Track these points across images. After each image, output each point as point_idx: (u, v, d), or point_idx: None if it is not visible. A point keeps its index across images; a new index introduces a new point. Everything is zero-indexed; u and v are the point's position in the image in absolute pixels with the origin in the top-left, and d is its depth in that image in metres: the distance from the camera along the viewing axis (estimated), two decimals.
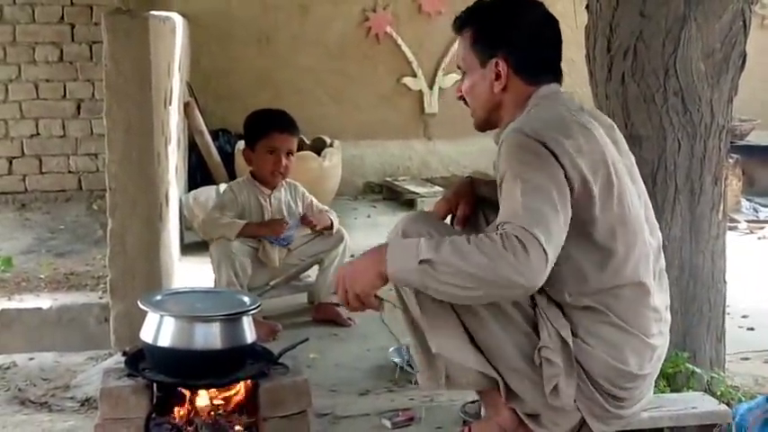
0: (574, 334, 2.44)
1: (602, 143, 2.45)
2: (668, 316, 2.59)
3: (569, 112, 2.49)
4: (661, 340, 2.55)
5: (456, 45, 2.69)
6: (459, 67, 2.68)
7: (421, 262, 2.24)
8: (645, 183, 3.19)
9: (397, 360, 3.61)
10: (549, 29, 2.59)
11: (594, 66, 3.38)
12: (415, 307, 2.49)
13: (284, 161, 4.21)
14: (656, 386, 2.94)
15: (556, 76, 2.59)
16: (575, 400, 2.45)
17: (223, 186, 5.91)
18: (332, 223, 4.30)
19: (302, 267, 3.94)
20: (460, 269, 2.21)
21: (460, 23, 2.65)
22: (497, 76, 2.54)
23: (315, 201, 4.45)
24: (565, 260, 2.36)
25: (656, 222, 2.61)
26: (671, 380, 3.09)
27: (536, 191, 2.27)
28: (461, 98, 2.67)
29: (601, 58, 3.32)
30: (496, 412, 2.57)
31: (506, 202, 2.30)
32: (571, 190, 2.33)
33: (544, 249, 2.19)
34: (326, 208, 4.47)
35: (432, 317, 2.46)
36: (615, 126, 2.64)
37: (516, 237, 2.19)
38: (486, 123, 2.64)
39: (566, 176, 2.32)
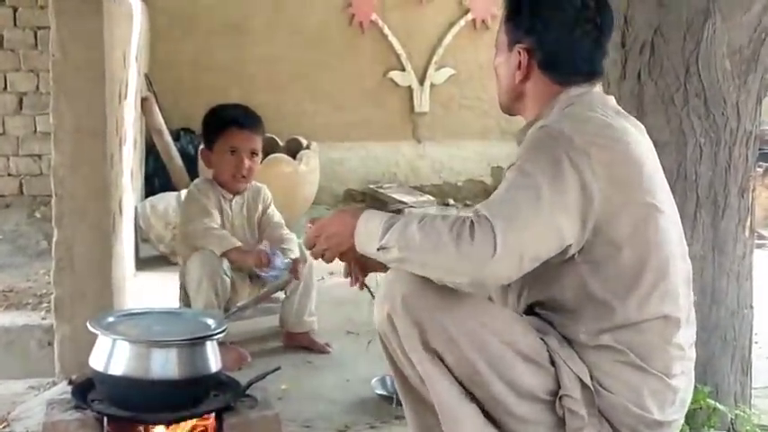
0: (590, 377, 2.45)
1: (639, 154, 2.47)
2: (693, 354, 2.59)
3: (608, 117, 2.50)
4: (684, 381, 2.54)
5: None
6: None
7: (379, 249, 2.38)
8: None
9: (380, 392, 3.61)
10: (591, 20, 2.57)
11: (607, 62, 3.40)
12: (423, 386, 2.49)
13: (247, 162, 4.19)
14: None
15: (592, 75, 2.60)
16: None
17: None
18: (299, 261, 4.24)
19: (269, 290, 3.92)
20: (408, 255, 2.33)
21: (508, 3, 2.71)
22: (519, 65, 2.60)
23: (273, 209, 4.40)
24: (582, 293, 2.40)
25: (686, 246, 2.61)
26: (690, 418, 3.09)
27: (527, 189, 2.30)
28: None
29: (614, 53, 3.33)
30: None
31: (505, 184, 2.37)
32: (588, 206, 2.34)
33: (495, 241, 2.22)
34: (282, 223, 4.39)
35: (445, 403, 2.45)
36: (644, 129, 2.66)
37: (471, 222, 2.25)
38: (508, 109, 2.73)
39: (585, 192, 2.33)
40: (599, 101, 2.57)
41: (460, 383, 2.43)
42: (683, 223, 3.20)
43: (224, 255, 4.04)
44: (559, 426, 2.44)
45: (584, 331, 2.45)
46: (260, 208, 4.35)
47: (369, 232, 2.42)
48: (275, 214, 4.40)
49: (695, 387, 3.11)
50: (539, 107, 2.59)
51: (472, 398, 2.44)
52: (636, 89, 3.29)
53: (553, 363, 2.43)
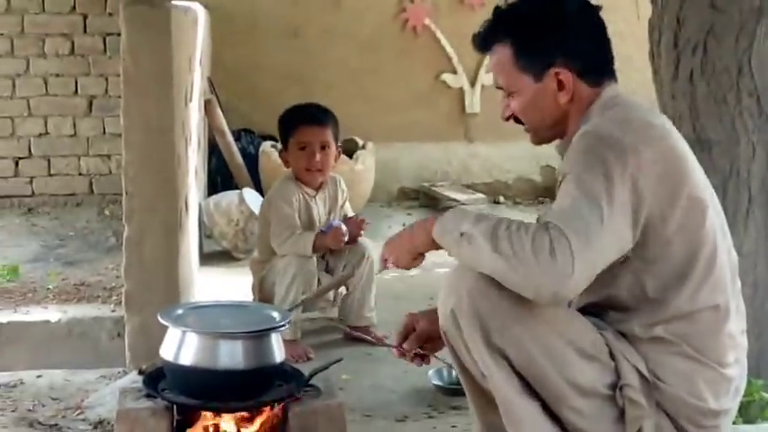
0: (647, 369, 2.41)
1: (682, 150, 2.43)
2: (744, 342, 2.54)
3: (648, 115, 2.46)
4: (737, 370, 2.49)
5: (488, 60, 2.64)
6: (499, 88, 2.60)
7: (462, 234, 2.31)
8: (715, 191, 3.18)
9: (436, 383, 3.59)
10: (596, 16, 2.55)
11: (659, 63, 3.36)
12: (487, 384, 2.45)
13: (318, 156, 4.17)
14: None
15: (614, 70, 2.56)
16: None
17: (249, 192, 5.94)
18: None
19: (332, 284, 3.92)
20: (484, 256, 2.27)
21: (487, 39, 2.56)
22: (561, 86, 2.49)
23: (348, 205, 4.43)
24: (636, 290, 2.37)
25: (729, 236, 2.57)
26: (743, 410, 3.04)
27: (589, 201, 2.24)
28: (510, 118, 2.61)
29: (667, 54, 3.29)
30: None
31: (557, 200, 2.31)
32: (639, 206, 2.30)
33: (573, 260, 2.17)
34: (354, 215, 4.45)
35: (505, 396, 2.41)
36: None
37: (549, 238, 2.18)
38: (550, 138, 2.61)
39: (636, 190, 2.29)
40: (634, 101, 2.52)
41: (522, 380, 2.39)
42: (737, 220, 3.18)
43: (314, 249, 4.06)
44: (620, 420, 2.39)
45: (638, 325, 2.40)
46: (339, 200, 4.36)
47: (457, 214, 2.37)
48: (349, 209, 4.43)
49: (749, 380, 3.06)
50: (579, 118, 2.51)
51: (534, 394, 2.40)
52: (688, 89, 3.24)
53: (612, 356, 2.39)
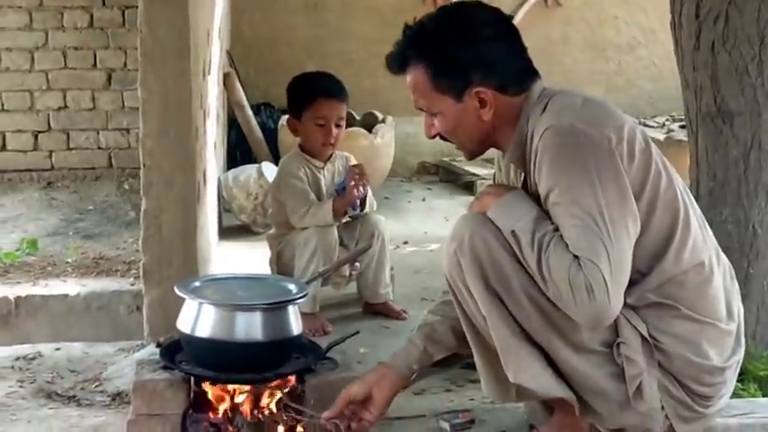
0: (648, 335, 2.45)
1: (632, 120, 2.47)
2: (735, 286, 2.58)
3: (584, 96, 2.50)
4: (736, 320, 2.53)
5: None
6: (420, 109, 2.59)
7: (512, 232, 2.37)
8: (736, 164, 3.19)
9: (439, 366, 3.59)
10: (507, 26, 2.54)
11: (680, 33, 3.33)
12: (488, 329, 2.48)
13: (335, 131, 4.16)
14: (745, 390, 2.91)
15: (536, 72, 2.55)
16: (661, 404, 2.44)
17: (268, 166, 5.95)
18: (364, 205, 4.24)
19: (349, 257, 3.92)
20: (531, 264, 2.34)
21: (401, 61, 2.55)
22: (482, 104, 2.48)
23: None
24: None
25: (688, 190, 2.59)
26: (763, 383, 3.04)
27: (593, 215, 2.28)
28: (436, 137, 2.61)
29: (688, 24, 3.27)
30: (572, 421, 2.55)
31: (565, 229, 2.31)
32: (628, 189, 2.35)
33: (607, 289, 2.24)
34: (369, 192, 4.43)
35: (504, 341, 2.45)
36: None
37: (584, 274, 2.25)
38: (480, 152, 2.61)
39: (619, 176, 2.34)
40: (560, 88, 2.54)
41: (521, 327, 2.42)
42: (758, 192, 3.18)
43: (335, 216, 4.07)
44: (620, 377, 2.42)
45: (631, 295, 2.40)
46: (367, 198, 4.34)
47: (511, 209, 2.41)
48: None
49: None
50: (512, 127, 2.50)
51: (532, 342, 2.43)
52: (710, 60, 3.22)
53: None
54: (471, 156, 2.62)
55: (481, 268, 2.42)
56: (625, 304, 2.41)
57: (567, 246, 2.29)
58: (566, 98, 2.48)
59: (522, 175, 2.55)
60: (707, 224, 2.58)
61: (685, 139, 3.59)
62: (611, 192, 2.31)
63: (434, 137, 2.61)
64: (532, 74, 2.54)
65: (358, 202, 4.17)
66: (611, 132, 2.36)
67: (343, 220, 4.19)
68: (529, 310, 2.40)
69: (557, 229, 2.33)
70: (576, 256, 2.27)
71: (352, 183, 4.09)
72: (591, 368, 2.42)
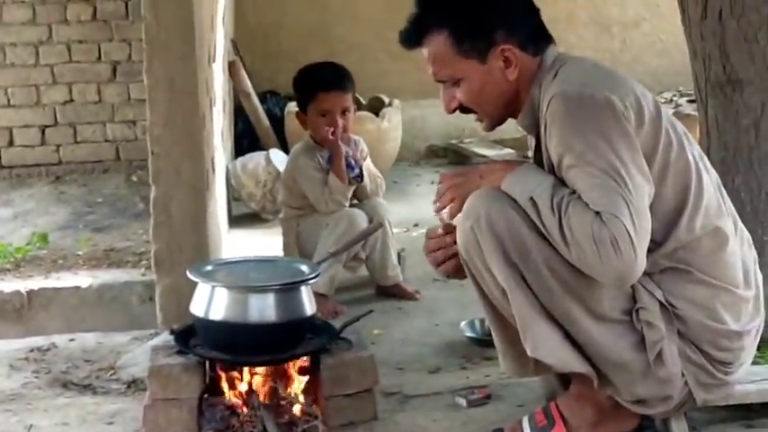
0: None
1: (641, 87, 2.47)
2: (753, 253, 2.58)
3: (596, 63, 2.53)
4: (753, 289, 2.52)
5: (425, 52, 2.56)
6: (441, 81, 2.57)
7: (531, 198, 2.35)
8: (747, 132, 3.17)
9: (469, 334, 3.60)
10: None
11: (687, 3, 3.31)
12: (507, 305, 2.47)
13: (340, 122, 4.17)
14: (763, 357, 2.90)
15: (550, 36, 2.57)
16: (681, 371, 2.43)
17: (276, 153, 5.95)
18: (362, 171, 4.26)
19: (357, 237, 3.92)
20: (553, 232, 2.33)
21: (419, 32, 2.53)
22: (507, 63, 2.49)
23: (369, 161, 4.42)
24: None
25: (706, 158, 2.60)
26: None
27: (608, 173, 2.28)
28: (457, 109, 2.59)
29: None
30: (590, 391, 2.54)
31: (584, 190, 2.31)
32: (638, 151, 2.35)
33: (632, 244, 2.24)
34: (378, 174, 4.45)
35: (524, 315, 2.44)
36: None
37: (608, 229, 2.23)
38: (504, 120, 2.61)
39: (630, 138, 2.34)
40: (575, 55, 2.56)
41: (540, 301, 2.42)
42: None
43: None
44: (639, 346, 2.42)
45: (646, 262, 2.38)
46: (359, 157, 4.34)
47: (525, 180, 2.40)
48: (372, 166, 4.42)
49: None
50: (528, 89, 2.52)
51: (551, 317, 2.43)
52: (717, 29, 3.19)
53: None
54: (492, 125, 2.61)
55: (501, 242, 2.40)
56: None
57: (587, 205, 2.28)
58: (576, 65, 2.49)
59: (535, 141, 2.54)
60: (723, 190, 2.57)
61: (693, 112, 3.58)
62: (623, 151, 2.31)
63: (454, 110, 2.60)
64: (547, 38, 2.56)
65: (353, 161, 4.20)
66: (617, 98, 2.36)
67: (352, 188, 4.23)
68: (550, 282, 2.39)
69: (574, 192, 2.33)
70: (597, 213, 2.26)
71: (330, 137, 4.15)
72: (612, 339, 2.41)
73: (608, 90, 2.37)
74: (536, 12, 2.57)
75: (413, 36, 2.56)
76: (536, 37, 2.53)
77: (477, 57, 2.49)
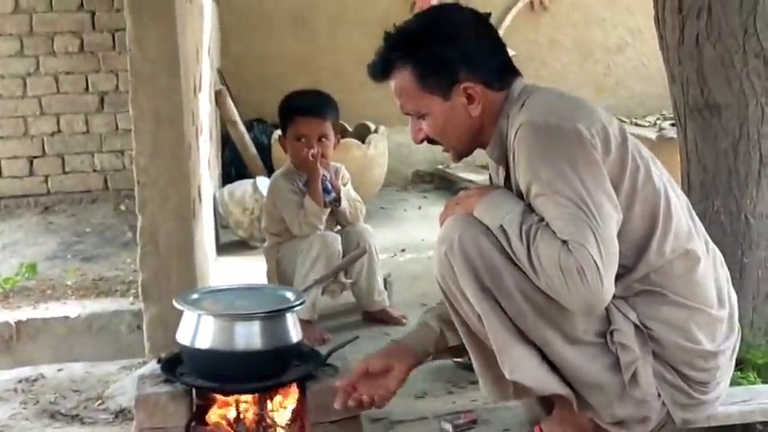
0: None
1: (606, 114, 2.50)
2: (725, 272, 2.60)
3: (561, 93, 2.55)
4: (727, 308, 2.55)
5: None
6: (408, 114, 2.61)
7: (500, 227, 2.38)
8: (726, 154, 3.21)
9: (456, 359, 3.60)
10: (485, 24, 2.59)
11: (665, 28, 3.35)
12: (483, 329, 2.49)
13: (317, 147, 4.19)
14: (744, 378, 2.92)
15: (516, 70, 2.60)
16: (657, 392, 2.45)
17: (263, 180, 5.96)
18: (339, 195, 4.25)
19: (343, 264, 3.94)
20: (521, 258, 2.36)
21: (385, 66, 2.58)
22: (470, 100, 2.51)
23: (350, 187, 4.43)
24: None
25: (674, 182, 2.62)
26: (762, 371, 3.05)
27: (575, 201, 2.30)
28: (424, 140, 2.63)
29: (671, 18, 3.29)
30: (571, 414, 2.55)
31: (551, 219, 2.33)
32: (606, 178, 2.37)
33: (599, 272, 2.26)
34: (358, 198, 4.45)
35: (499, 338, 2.46)
36: None
37: (574, 258, 2.26)
38: (468, 152, 2.63)
39: (596, 166, 2.37)
40: (540, 86, 2.58)
41: (515, 325, 2.43)
42: (749, 182, 3.20)
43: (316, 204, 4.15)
44: (615, 368, 2.44)
45: (617, 287, 2.40)
46: (340, 187, 4.36)
47: (497, 206, 2.43)
48: (351, 191, 4.41)
49: (767, 342, 3.08)
50: (494, 123, 2.54)
51: (528, 340, 2.45)
52: (695, 53, 3.24)
53: None
54: (459, 156, 2.63)
55: (473, 268, 2.43)
56: (614, 295, 2.43)
57: (554, 233, 2.30)
58: (542, 95, 2.52)
59: (504, 172, 2.57)
60: (693, 213, 2.60)
61: (676, 136, 3.61)
62: (589, 179, 2.33)
63: (422, 141, 2.64)
64: (513, 71, 2.58)
65: (329, 185, 4.21)
66: (583, 127, 2.38)
67: (327, 211, 4.23)
68: (523, 307, 2.41)
69: (542, 220, 2.35)
70: (564, 242, 2.28)
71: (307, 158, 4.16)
72: (587, 361, 2.44)
73: (575, 119, 2.40)
74: (501, 48, 2.59)
75: (379, 70, 2.60)
76: (501, 73, 2.55)
77: (440, 93, 2.52)
